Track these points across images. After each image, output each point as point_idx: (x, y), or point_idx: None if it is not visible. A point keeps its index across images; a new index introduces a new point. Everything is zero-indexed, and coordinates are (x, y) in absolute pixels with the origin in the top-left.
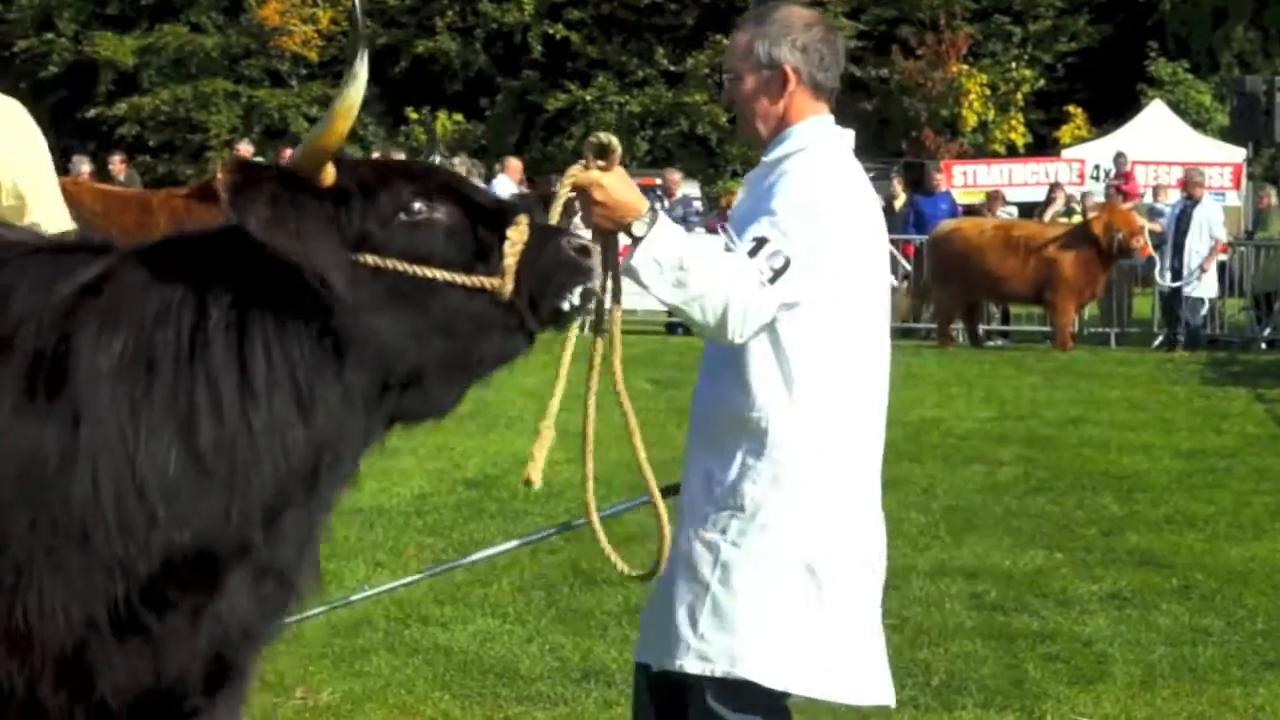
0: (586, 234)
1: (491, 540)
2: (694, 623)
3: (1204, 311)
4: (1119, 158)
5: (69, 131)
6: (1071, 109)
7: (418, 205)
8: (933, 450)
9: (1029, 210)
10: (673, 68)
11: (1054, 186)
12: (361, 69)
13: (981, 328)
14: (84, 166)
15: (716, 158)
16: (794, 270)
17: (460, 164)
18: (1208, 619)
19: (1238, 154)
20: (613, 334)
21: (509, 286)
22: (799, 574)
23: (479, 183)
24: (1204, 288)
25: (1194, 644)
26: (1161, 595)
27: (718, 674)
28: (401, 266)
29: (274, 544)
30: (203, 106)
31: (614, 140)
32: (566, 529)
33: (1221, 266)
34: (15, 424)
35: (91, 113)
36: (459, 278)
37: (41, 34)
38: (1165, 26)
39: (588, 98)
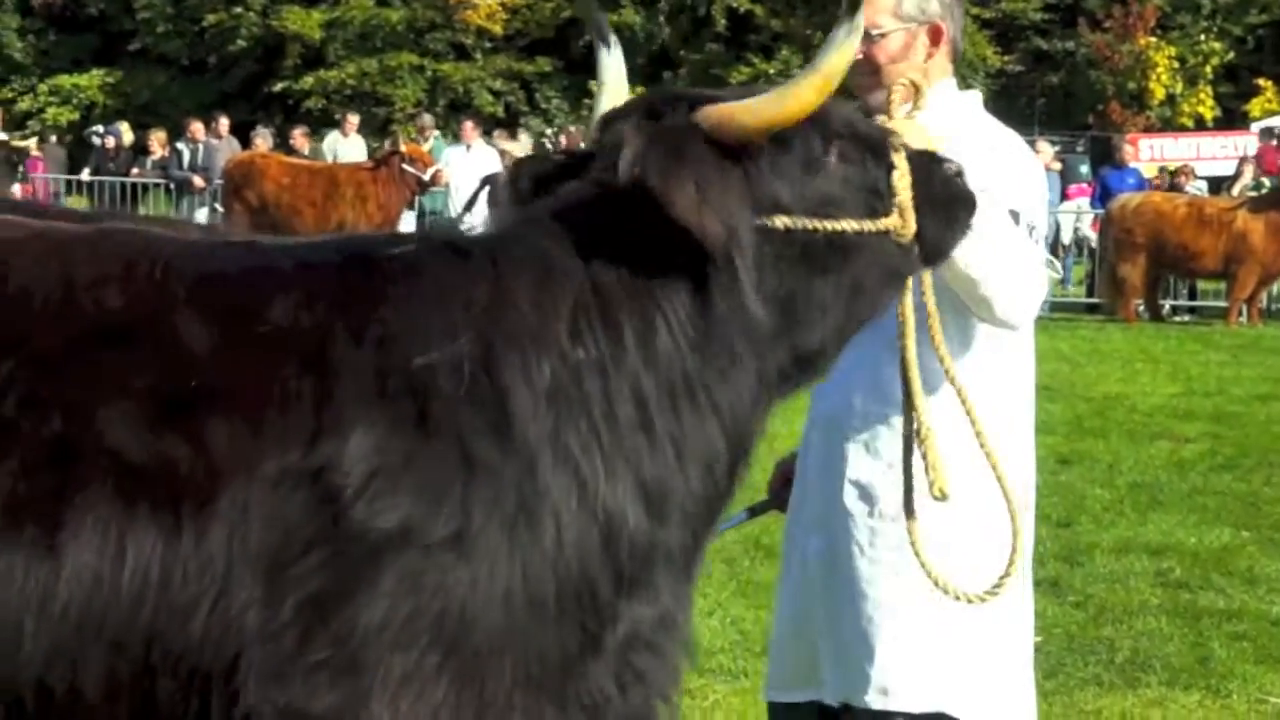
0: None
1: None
2: (880, 653)
3: None
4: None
5: (257, 105)
6: (1262, 82)
7: (819, 151)
8: (1118, 426)
9: (1217, 185)
10: None
11: (1242, 160)
12: (858, 23)
13: (1167, 303)
14: (259, 141)
15: None
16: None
17: None
18: None
19: None
20: (927, 299)
21: (911, 226)
22: (999, 596)
23: None
24: None
25: None
26: None
27: (915, 710)
28: (814, 225)
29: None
30: (388, 80)
31: (923, 82)
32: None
33: None
34: (474, 477)
35: (278, 86)
36: (867, 225)
37: (230, 9)
38: None
39: (771, 71)
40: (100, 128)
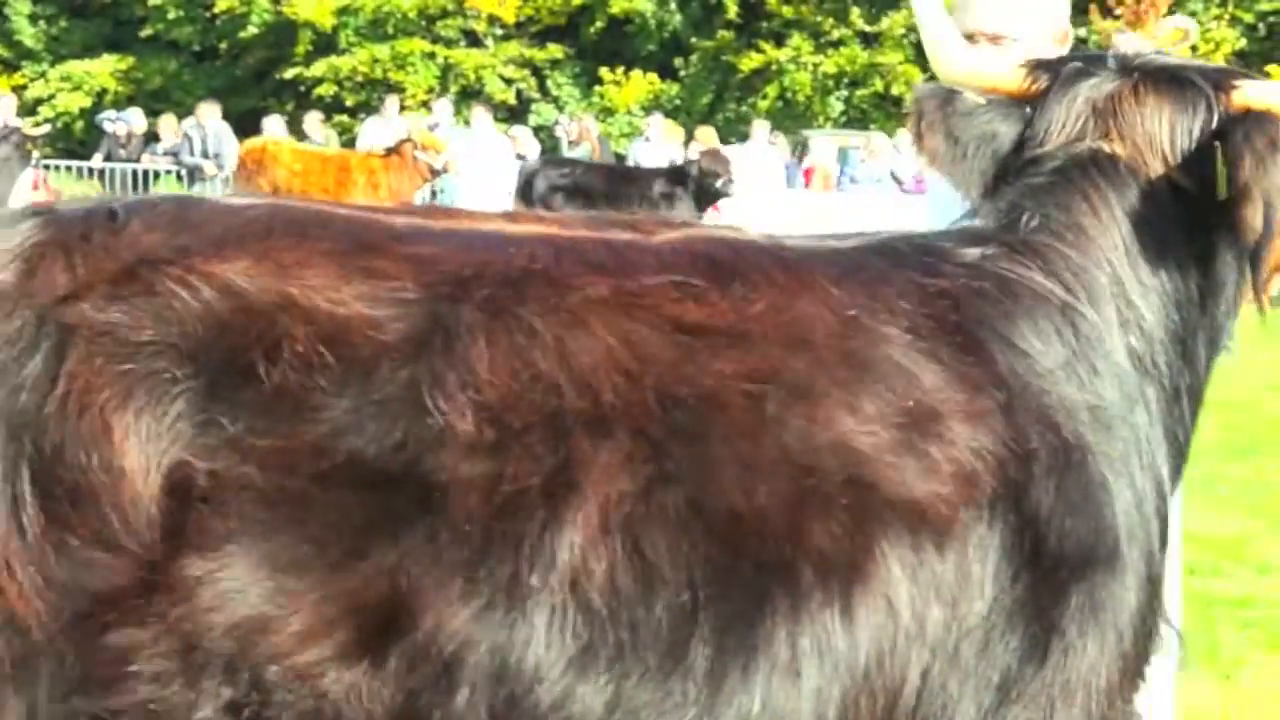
0: None
1: None
2: None
3: None
4: None
5: (269, 92)
6: (1273, 69)
7: None
8: None
9: None
10: (868, 27)
11: None
12: None
13: None
14: (273, 127)
15: None
16: None
17: (651, 123)
18: None
19: None
20: None
21: None
22: None
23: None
24: None
25: None
26: None
27: None
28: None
29: None
30: (400, 67)
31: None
32: None
33: None
34: (1109, 497)
35: (290, 73)
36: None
37: None
38: None
39: (782, 58)
40: (112, 114)
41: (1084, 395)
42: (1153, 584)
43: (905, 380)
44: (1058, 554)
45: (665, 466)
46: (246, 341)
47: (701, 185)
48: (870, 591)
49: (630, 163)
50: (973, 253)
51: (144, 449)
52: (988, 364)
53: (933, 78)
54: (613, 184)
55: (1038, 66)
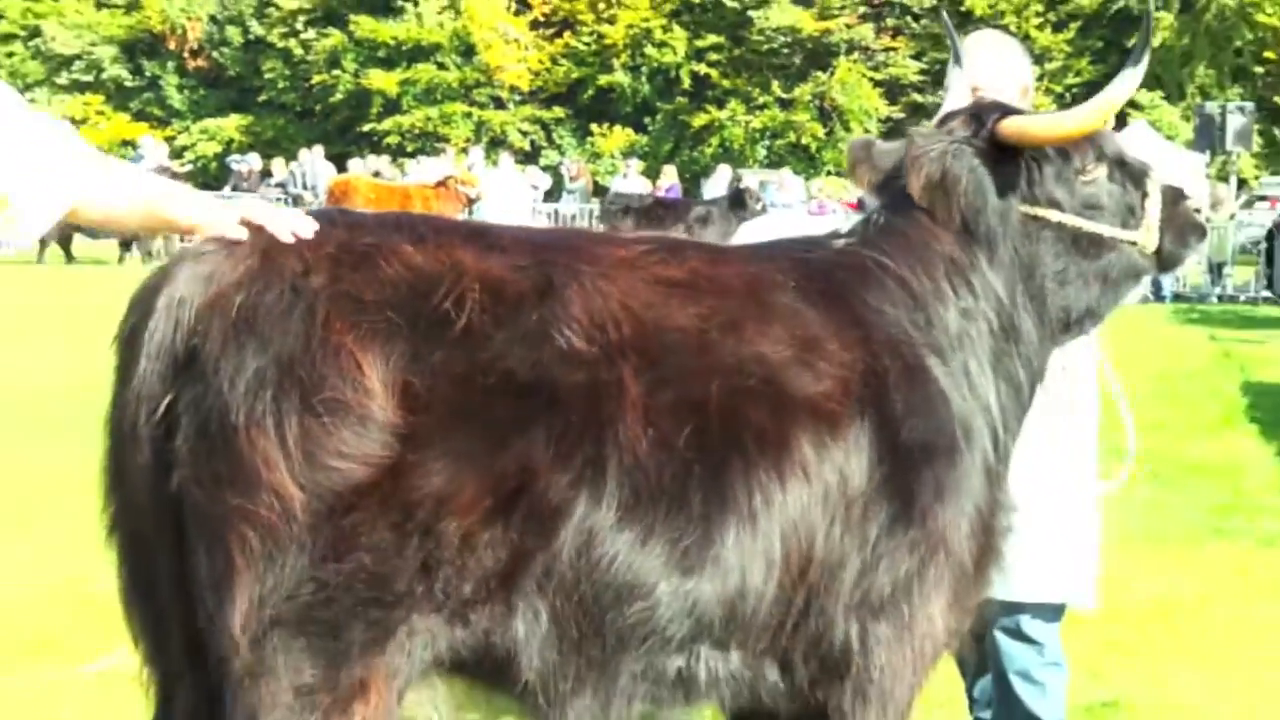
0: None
1: None
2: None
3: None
4: None
5: (351, 141)
6: None
7: (1093, 166)
8: None
9: None
10: (785, 95)
11: None
12: (1139, 70)
13: None
14: (355, 167)
15: (815, 161)
16: None
17: (629, 165)
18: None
19: (1200, 160)
20: None
21: (1153, 243)
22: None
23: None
24: None
25: (1157, 517)
26: (1133, 482)
27: (1042, 601)
28: (1078, 224)
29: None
30: (445, 123)
31: None
32: None
33: None
34: (948, 404)
35: (366, 127)
36: (1119, 233)
37: (330, 71)
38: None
39: (722, 117)
40: (237, 157)
41: (922, 336)
42: (990, 477)
43: (795, 317)
44: (909, 444)
45: (660, 373)
46: (438, 297)
47: (748, 208)
48: (794, 462)
49: (613, 191)
50: (838, 244)
51: (383, 376)
52: (849, 310)
53: (831, 131)
54: (660, 209)
55: (946, 117)
